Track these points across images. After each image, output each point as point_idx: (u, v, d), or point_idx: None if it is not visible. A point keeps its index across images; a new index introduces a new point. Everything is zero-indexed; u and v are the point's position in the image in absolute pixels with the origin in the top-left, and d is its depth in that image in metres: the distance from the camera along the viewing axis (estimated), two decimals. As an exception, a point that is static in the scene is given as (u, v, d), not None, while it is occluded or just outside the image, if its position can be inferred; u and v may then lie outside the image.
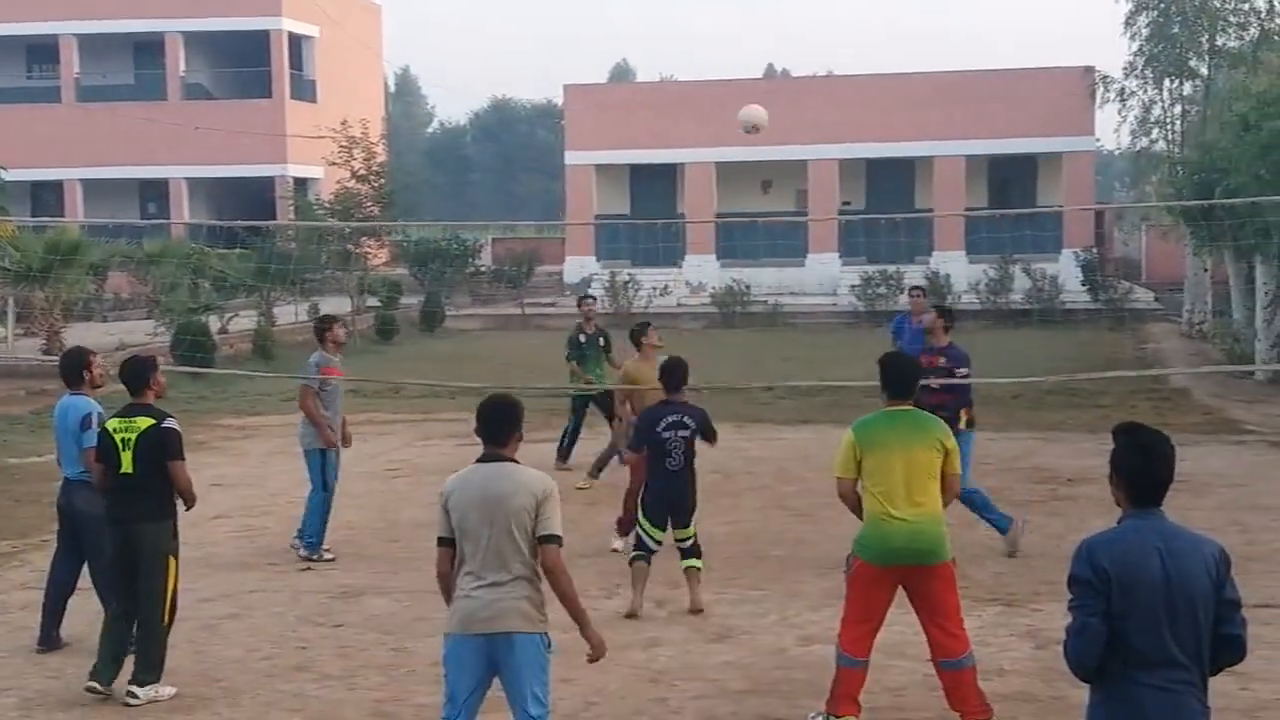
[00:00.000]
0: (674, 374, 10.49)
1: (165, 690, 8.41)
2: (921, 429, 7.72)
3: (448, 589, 6.44)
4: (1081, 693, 5.09)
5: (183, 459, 8.59)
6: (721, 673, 8.88)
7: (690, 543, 10.29)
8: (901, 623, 8.31)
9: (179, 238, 41.39)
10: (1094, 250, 40.04)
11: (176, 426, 8.64)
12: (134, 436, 8.45)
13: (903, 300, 34.29)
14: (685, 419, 10.21)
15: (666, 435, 10.13)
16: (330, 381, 12.39)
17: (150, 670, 8.38)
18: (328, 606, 10.60)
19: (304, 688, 8.67)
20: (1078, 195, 41.64)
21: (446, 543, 6.43)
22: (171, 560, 8.48)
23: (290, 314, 34.82)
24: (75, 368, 9.63)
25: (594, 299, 17.28)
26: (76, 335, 28.39)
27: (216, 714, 8.26)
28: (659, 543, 10.27)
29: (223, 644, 9.64)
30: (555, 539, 6.32)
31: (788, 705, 8.21)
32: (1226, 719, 7.45)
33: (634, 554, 10.30)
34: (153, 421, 8.49)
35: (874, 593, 7.71)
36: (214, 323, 30.07)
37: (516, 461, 6.48)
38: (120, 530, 8.50)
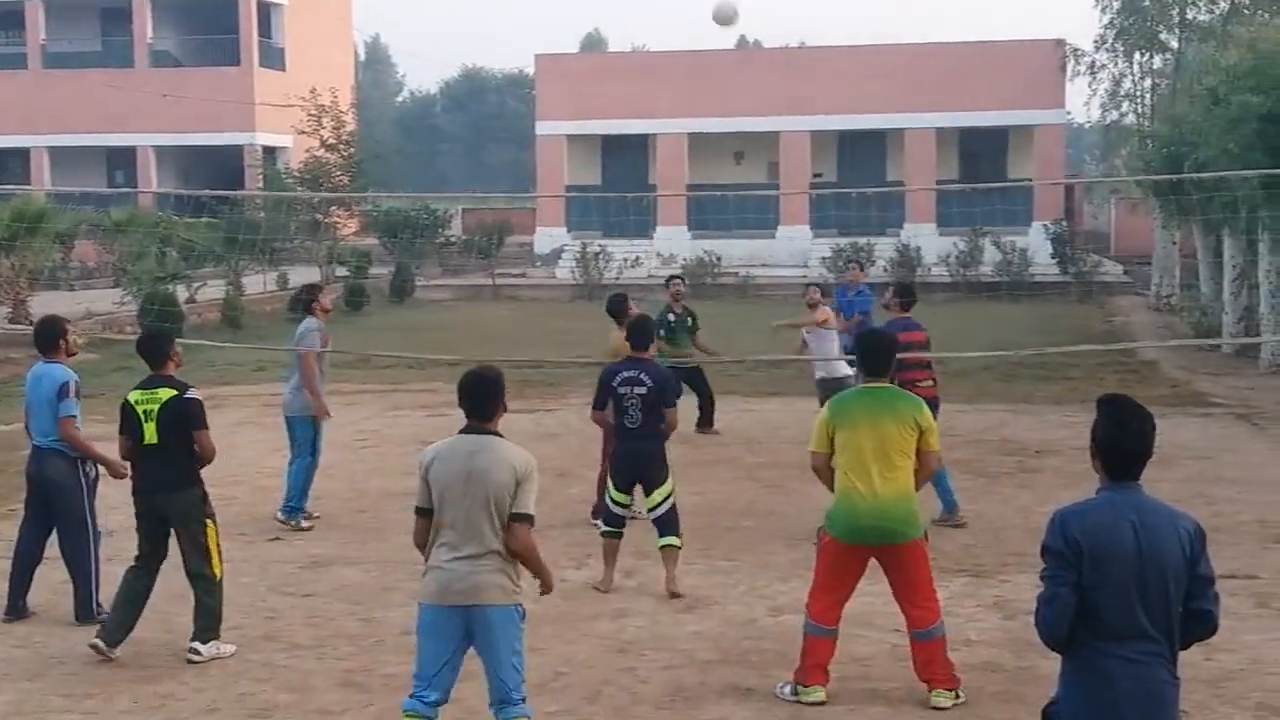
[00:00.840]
0: (638, 331, 10.35)
1: (226, 648, 8.62)
2: (894, 407, 7.72)
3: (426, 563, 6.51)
4: (1050, 663, 5.12)
5: (207, 428, 8.70)
6: (691, 643, 8.89)
7: (661, 511, 10.01)
8: (869, 593, 8.33)
9: (146, 206, 41.12)
10: (1063, 223, 40.16)
11: (199, 396, 8.78)
12: (156, 408, 8.56)
13: (873, 273, 34.51)
14: (642, 375, 10.01)
15: (622, 391, 9.98)
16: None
17: (210, 628, 8.60)
18: (297, 576, 10.57)
19: (273, 657, 8.65)
20: (1048, 168, 41.72)
21: (425, 513, 6.46)
22: (209, 523, 8.67)
23: (259, 284, 34.67)
24: (51, 336, 9.68)
25: (681, 279, 17.64)
26: (43, 304, 28.19)
27: (184, 683, 8.23)
28: (625, 508, 10.19)
29: (191, 613, 9.59)
30: (529, 518, 6.37)
31: (757, 675, 8.24)
32: (1191, 689, 7.51)
33: (604, 529, 10.23)
34: (175, 393, 8.62)
35: (842, 568, 7.75)
36: (181, 292, 29.89)
37: (500, 435, 6.50)
38: (149, 499, 8.66)
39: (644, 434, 10.04)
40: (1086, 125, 48.59)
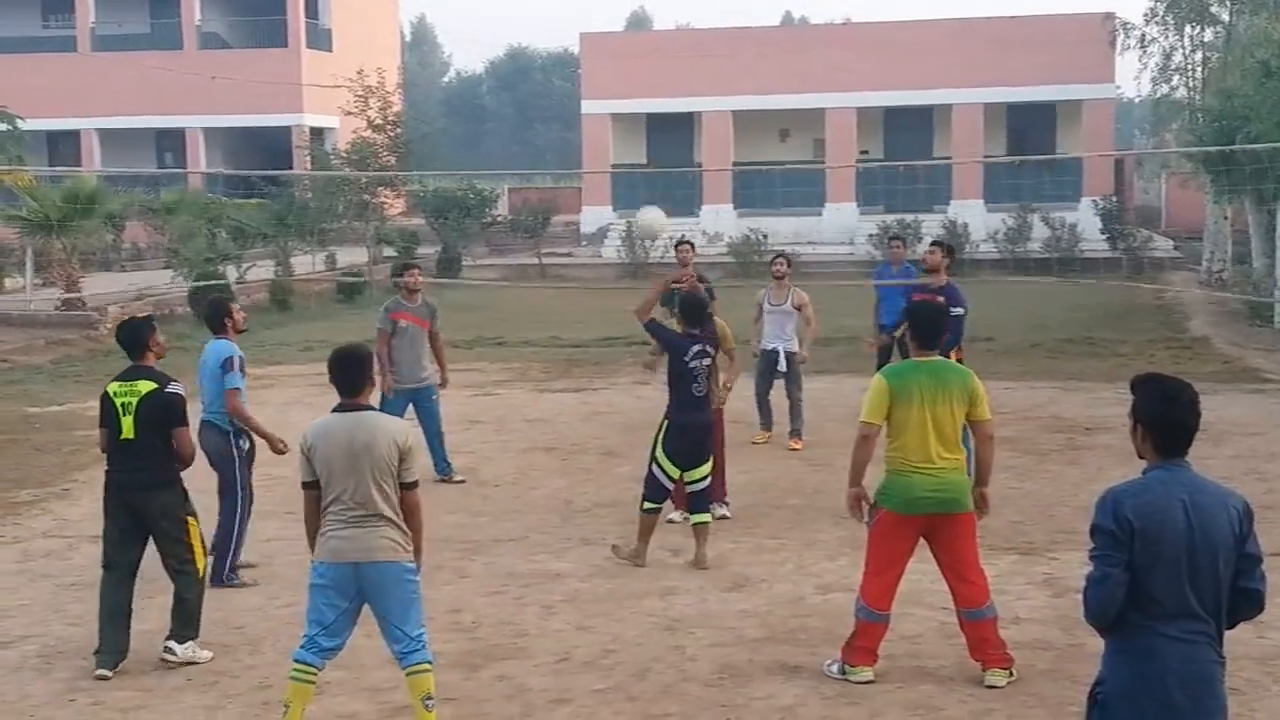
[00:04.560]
0: (693, 309, 10.38)
1: (202, 654, 8.31)
2: (946, 382, 7.65)
3: (313, 533, 6.84)
4: (1098, 641, 5.09)
5: (187, 425, 8.35)
6: (738, 621, 8.90)
7: (703, 485, 10.20)
8: (918, 571, 8.32)
9: (195, 187, 41.41)
10: (1113, 198, 39.78)
11: (181, 391, 8.36)
12: (135, 401, 8.18)
13: (919, 250, 34.34)
14: (706, 347, 10.25)
15: (694, 365, 10.10)
16: (402, 326, 12.97)
17: (188, 627, 8.30)
18: (346, 555, 10.63)
19: (323, 635, 8.71)
20: (1097, 143, 41.32)
21: (313, 486, 6.83)
22: (190, 520, 8.33)
23: (307, 264, 34.85)
24: (218, 314, 10.10)
25: (690, 245, 16.82)
26: (94, 285, 28.52)
27: (237, 660, 8.33)
28: (673, 481, 10.20)
29: (243, 592, 9.71)
30: (416, 484, 6.89)
31: (805, 653, 8.24)
32: (1241, 666, 7.47)
33: (647, 505, 10.14)
34: (155, 386, 8.23)
35: (896, 542, 7.70)
36: (231, 272, 30.11)
37: (373, 409, 7.05)
38: (123, 498, 8.26)
39: (707, 402, 10.26)
40: (1136, 100, 48.09)
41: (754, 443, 14.51)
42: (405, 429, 7.02)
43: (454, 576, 9.99)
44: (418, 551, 6.94)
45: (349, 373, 6.89)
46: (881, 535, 7.73)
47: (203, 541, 8.49)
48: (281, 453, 9.80)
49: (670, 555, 10.34)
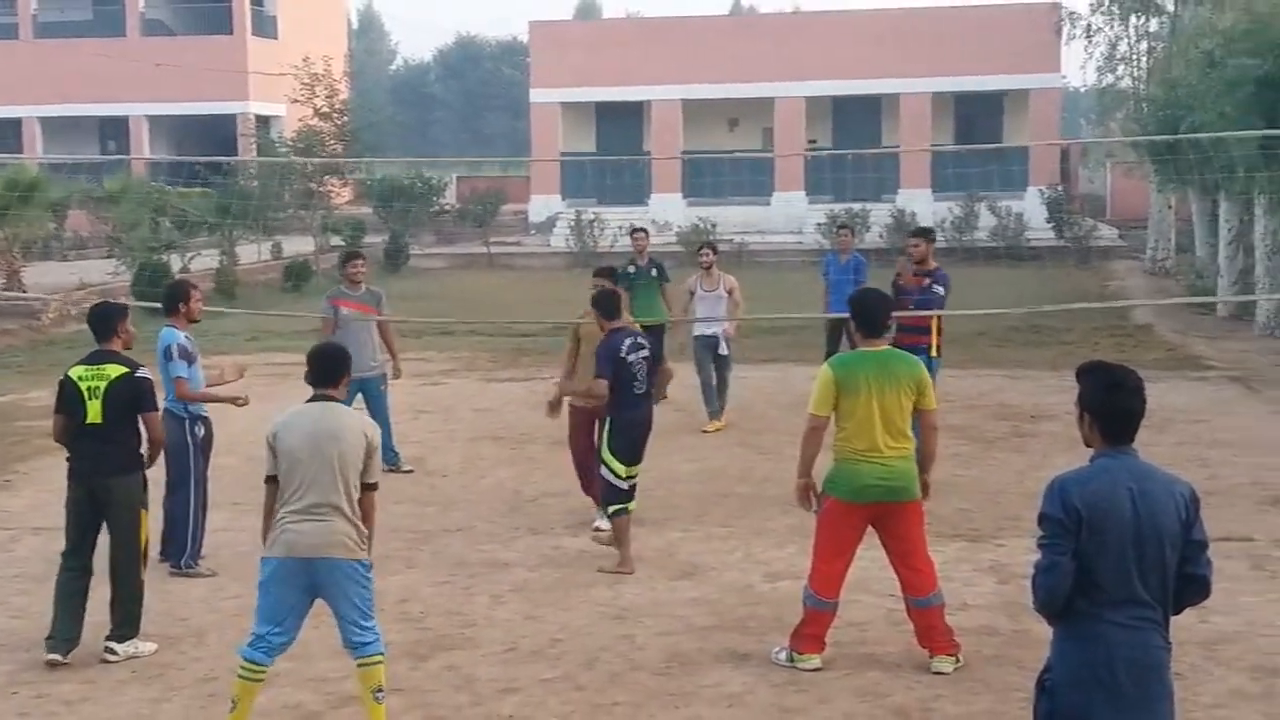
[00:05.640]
0: (606, 303, 10.17)
1: (145, 646, 8.23)
2: (893, 371, 7.66)
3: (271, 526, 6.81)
4: (1044, 627, 5.12)
5: (157, 409, 8.35)
6: (687, 609, 8.91)
7: (635, 481, 10.05)
8: (866, 559, 8.34)
9: (139, 175, 40.99)
10: (1059, 187, 40.08)
11: (149, 376, 8.31)
12: (103, 385, 8.09)
13: (868, 239, 34.44)
14: (640, 339, 10.07)
15: (631, 359, 9.88)
16: (344, 314, 12.92)
17: (129, 624, 8.20)
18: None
19: (269, 627, 8.64)
20: (1044, 132, 41.58)
21: (276, 480, 6.79)
22: (143, 513, 8.25)
23: (253, 253, 34.58)
24: (173, 299, 9.96)
25: (645, 231, 16.66)
26: (36, 274, 28.19)
27: (182, 653, 8.25)
28: (626, 480, 9.90)
29: (187, 583, 9.63)
30: (376, 487, 6.88)
31: (754, 641, 8.26)
32: (1186, 652, 7.54)
33: (615, 509, 9.87)
34: (125, 370, 8.14)
35: (844, 530, 7.72)
36: (175, 261, 29.82)
37: (342, 402, 7.03)
38: (86, 484, 8.14)
39: (648, 398, 10.11)
40: (1082, 89, 48.43)
41: (704, 431, 14.54)
42: (373, 426, 7.04)
43: (402, 566, 9.94)
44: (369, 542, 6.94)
45: (325, 365, 6.93)
46: (829, 523, 7.74)
47: (148, 537, 8.40)
48: (244, 404, 10.10)
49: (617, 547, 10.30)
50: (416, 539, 10.68)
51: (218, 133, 47.88)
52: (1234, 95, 19.88)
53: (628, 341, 9.96)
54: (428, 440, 14.54)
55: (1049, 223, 38.14)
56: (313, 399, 6.87)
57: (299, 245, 35.93)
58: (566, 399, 11.03)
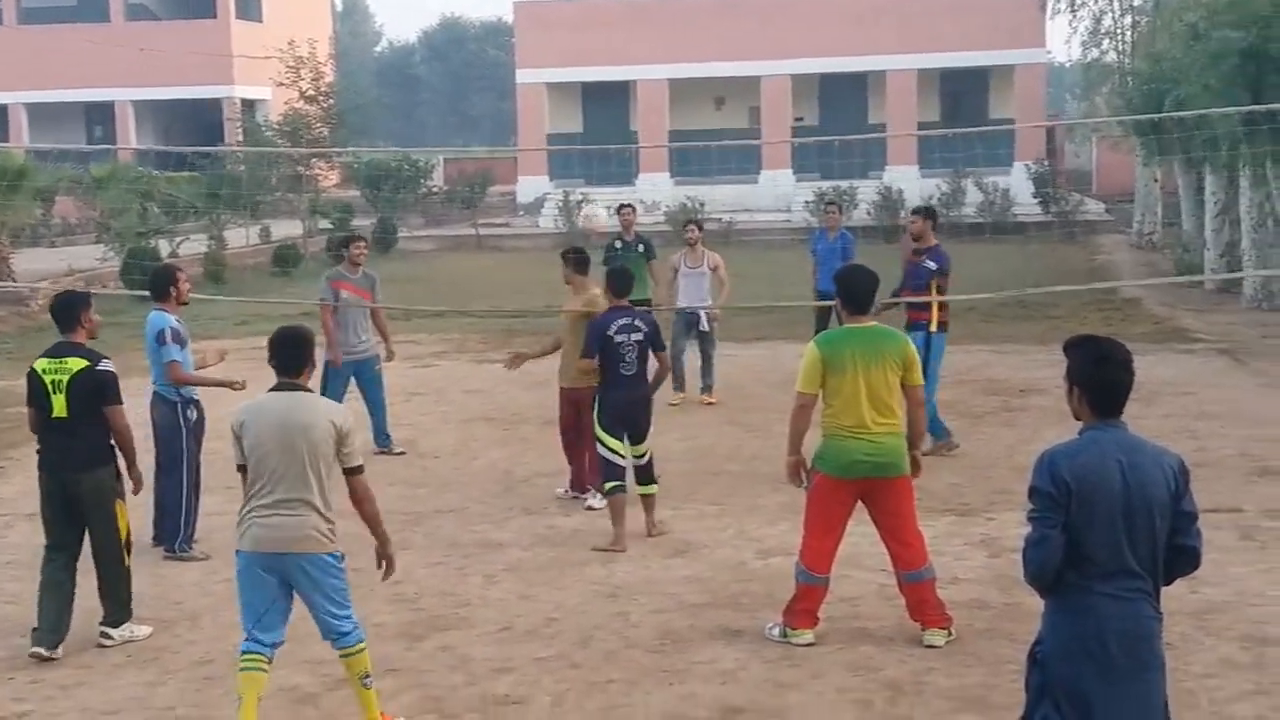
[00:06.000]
0: (620, 279, 10.36)
1: (140, 630, 8.23)
2: (880, 347, 7.68)
3: (240, 519, 6.68)
4: (1036, 599, 5.16)
5: (121, 403, 8.13)
6: (680, 587, 8.95)
7: (646, 460, 10.15)
8: (857, 534, 8.38)
9: (126, 162, 40.87)
10: (1045, 163, 40.11)
11: (113, 368, 8.17)
12: (66, 379, 7.96)
13: (856, 215, 34.46)
14: (636, 321, 10.10)
15: (620, 339, 9.96)
16: (344, 298, 12.95)
17: (121, 609, 8.18)
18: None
19: (264, 609, 8.66)
20: (1029, 108, 41.63)
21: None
22: (119, 504, 8.16)
23: (241, 237, 34.53)
24: (163, 282, 9.94)
25: (632, 207, 16.48)
26: (25, 260, 28.11)
27: (177, 636, 8.28)
28: (624, 456, 10.02)
29: (181, 567, 9.66)
30: (361, 469, 6.68)
31: (746, 618, 8.30)
32: (1176, 622, 7.59)
33: (610, 486, 9.97)
34: (86, 364, 8.00)
35: (834, 506, 7.76)
36: (164, 247, 29.76)
37: (309, 390, 6.74)
38: (56, 478, 8.06)
39: (639, 380, 10.10)
40: (1067, 64, 48.41)
41: (670, 405, 14.57)
42: (344, 411, 6.80)
43: (395, 548, 9.93)
44: (383, 542, 6.82)
45: (289, 351, 6.66)
46: (819, 499, 7.79)
47: (128, 525, 8.34)
48: (241, 388, 10.14)
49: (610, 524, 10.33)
50: (410, 520, 10.71)
51: (204, 117, 47.79)
52: (1218, 68, 19.91)
53: (620, 322, 10.02)
54: (420, 422, 14.56)
55: (1035, 198, 38.21)
56: (278, 387, 6.65)
57: (287, 229, 35.88)
58: (561, 385, 11.25)
